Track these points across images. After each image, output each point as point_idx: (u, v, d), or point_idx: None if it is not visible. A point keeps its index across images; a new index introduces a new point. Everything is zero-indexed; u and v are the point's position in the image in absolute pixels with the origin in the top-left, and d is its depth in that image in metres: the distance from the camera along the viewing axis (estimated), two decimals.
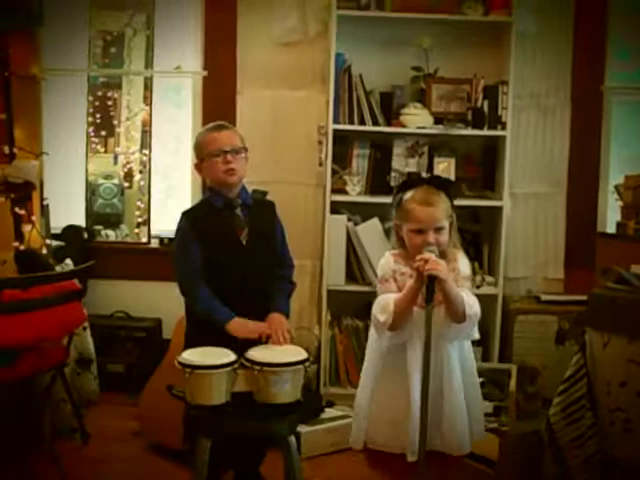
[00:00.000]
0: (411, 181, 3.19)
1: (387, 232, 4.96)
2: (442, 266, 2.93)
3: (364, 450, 3.21)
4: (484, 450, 3.71)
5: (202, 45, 5.42)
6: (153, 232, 5.57)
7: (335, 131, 4.99)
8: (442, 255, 3.08)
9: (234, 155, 3.49)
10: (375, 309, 3.09)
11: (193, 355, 3.27)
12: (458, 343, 3.14)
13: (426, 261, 2.91)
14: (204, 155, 3.52)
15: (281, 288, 3.65)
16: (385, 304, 3.04)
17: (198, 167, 3.60)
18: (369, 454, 3.21)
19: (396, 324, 3.01)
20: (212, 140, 3.52)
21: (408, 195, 3.12)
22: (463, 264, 3.17)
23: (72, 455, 4.31)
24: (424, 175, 3.26)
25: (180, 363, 3.23)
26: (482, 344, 5.04)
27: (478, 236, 5.22)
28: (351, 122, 5.02)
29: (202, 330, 3.48)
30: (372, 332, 3.20)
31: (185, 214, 3.58)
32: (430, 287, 2.89)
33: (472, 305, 3.04)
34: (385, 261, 3.18)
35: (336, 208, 5.07)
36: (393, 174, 5.06)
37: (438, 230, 3.06)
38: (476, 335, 3.13)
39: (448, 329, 3.03)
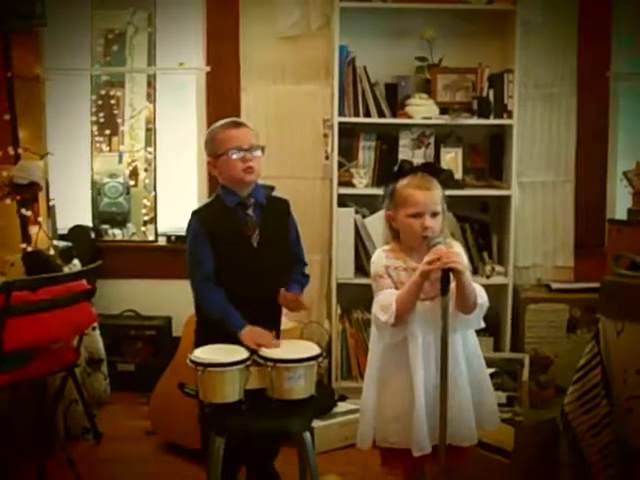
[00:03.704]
0: (405, 169, 3.15)
1: None
2: (459, 257, 2.91)
3: (375, 448, 3.20)
4: (499, 440, 3.70)
5: (205, 41, 5.39)
6: (160, 230, 5.56)
7: (340, 124, 4.97)
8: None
9: (252, 153, 3.42)
10: (375, 308, 3.05)
11: (205, 353, 3.25)
12: (462, 333, 3.11)
13: (439, 258, 2.88)
14: (220, 152, 3.43)
15: (294, 277, 3.58)
16: (386, 303, 2.99)
17: (212, 164, 3.50)
18: (382, 452, 3.19)
19: (398, 322, 2.98)
20: (229, 138, 3.43)
21: (403, 182, 3.09)
22: (461, 253, 3.11)
23: (85, 456, 4.31)
24: (416, 163, 3.21)
25: (192, 361, 3.21)
26: (493, 334, 5.05)
27: (487, 226, 5.20)
28: (356, 114, 4.99)
29: (212, 327, 3.42)
30: (373, 331, 3.18)
31: (195, 213, 3.52)
32: (445, 279, 2.86)
33: (482, 294, 3.02)
34: (376, 257, 3.14)
35: (343, 201, 5.06)
36: None
37: (434, 215, 3.04)
38: (482, 324, 3.11)
39: (455, 319, 2.99)
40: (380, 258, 3.11)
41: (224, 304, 3.38)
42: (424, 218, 3.01)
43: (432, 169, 3.16)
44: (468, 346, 3.14)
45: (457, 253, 2.94)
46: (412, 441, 3.01)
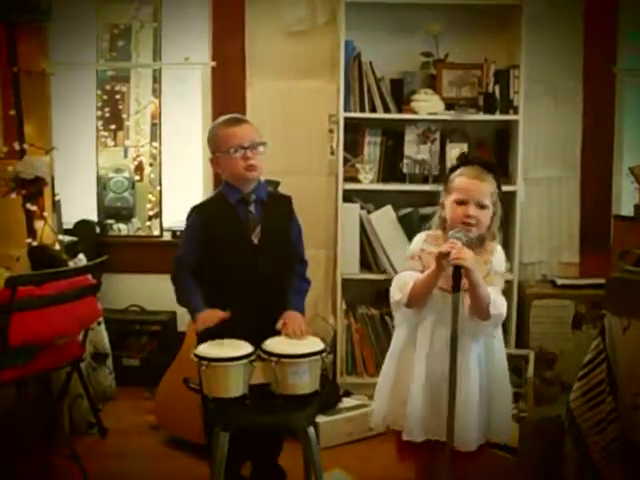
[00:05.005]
0: (463, 161, 3.19)
1: (401, 219, 4.97)
2: (468, 255, 2.90)
3: (389, 432, 3.23)
4: None
5: (210, 36, 5.38)
6: (165, 225, 5.56)
7: (346, 119, 4.96)
8: (480, 243, 3.08)
9: (253, 151, 3.41)
10: (393, 285, 3.10)
11: (209, 348, 3.25)
12: (487, 340, 3.12)
13: (448, 253, 2.88)
14: (222, 150, 3.43)
15: (296, 286, 3.57)
16: (403, 283, 3.05)
17: (214, 161, 3.50)
18: (397, 442, 3.20)
19: (411, 304, 3.03)
20: (231, 135, 3.42)
21: (458, 172, 3.14)
22: (498, 259, 3.14)
23: (90, 450, 4.33)
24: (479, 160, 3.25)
25: (196, 356, 3.21)
26: None
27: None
28: (362, 110, 4.98)
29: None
30: (396, 315, 3.22)
31: (196, 208, 3.52)
32: (456, 275, 2.86)
33: (498, 305, 3.00)
34: (417, 239, 3.20)
35: (349, 197, 5.05)
36: (405, 161, 5.03)
37: (481, 207, 3.05)
38: (497, 334, 3.11)
39: (468, 323, 3.00)
40: (419, 240, 3.18)
41: (193, 288, 3.41)
42: (468, 206, 3.04)
43: (489, 165, 3.19)
44: (492, 354, 3.16)
45: (465, 250, 2.91)
46: (407, 426, 3.06)
